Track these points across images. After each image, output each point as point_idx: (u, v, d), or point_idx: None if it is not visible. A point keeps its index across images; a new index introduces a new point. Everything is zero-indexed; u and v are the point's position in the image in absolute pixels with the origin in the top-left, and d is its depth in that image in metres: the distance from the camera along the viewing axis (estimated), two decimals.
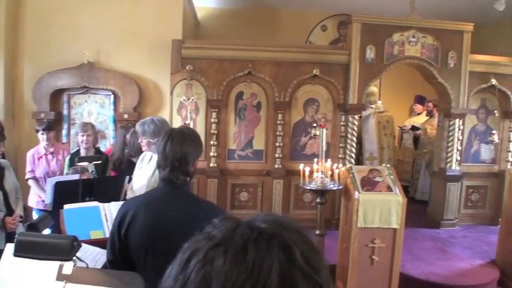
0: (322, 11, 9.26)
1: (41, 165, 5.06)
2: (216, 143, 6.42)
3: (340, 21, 9.14)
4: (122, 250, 2.21)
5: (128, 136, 5.26)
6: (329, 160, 4.81)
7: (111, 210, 3.37)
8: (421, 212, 7.48)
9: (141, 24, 6.37)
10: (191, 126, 6.19)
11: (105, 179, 4.68)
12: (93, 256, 2.77)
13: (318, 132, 4.84)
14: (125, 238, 2.20)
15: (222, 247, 0.72)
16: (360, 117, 7.89)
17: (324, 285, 0.72)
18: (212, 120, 6.40)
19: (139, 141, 3.96)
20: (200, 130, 6.40)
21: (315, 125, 5.99)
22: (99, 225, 3.39)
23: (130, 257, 2.20)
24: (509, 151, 7.22)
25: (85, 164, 4.44)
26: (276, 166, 6.53)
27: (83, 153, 5.01)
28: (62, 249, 1.77)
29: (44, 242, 1.83)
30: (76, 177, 4.20)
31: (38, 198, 5.03)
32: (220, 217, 0.81)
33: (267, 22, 9.44)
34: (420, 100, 8.97)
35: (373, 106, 8.24)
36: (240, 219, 0.79)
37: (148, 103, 6.52)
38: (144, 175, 3.60)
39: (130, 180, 4.03)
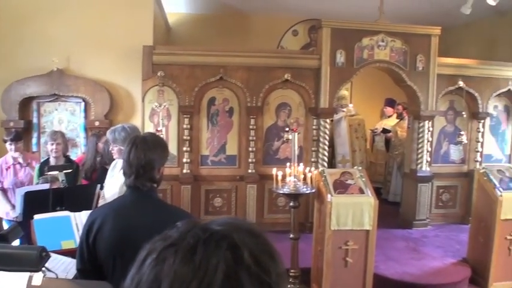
0: (293, 16, 9.33)
1: (9, 176, 4.97)
2: (188, 149, 6.39)
3: (311, 26, 9.23)
4: (90, 259, 2.20)
5: (100, 144, 5.22)
6: (301, 164, 4.84)
7: (82, 219, 3.33)
8: (394, 213, 7.57)
9: (111, 30, 6.31)
10: (163, 132, 6.17)
11: (76, 187, 4.61)
12: (65, 266, 2.74)
13: (290, 137, 4.87)
14: (93, 246, 2.18)
15: (174, 247, 0.75)
16: (332, 120, 7.97)
17: (274, 286, 0.74)
18: (184, 126, 6.37)
19: (110, 149, 3.92)
20: (173, 136, 6.40)
21: (287, 129, 6.03)
22: (70, 235, 3.35)
23: (99, 265, 2.19)
24: (478, 151, 7.37)
25: (55, 173, 4.37)
26: (250, 171, 6.53)
27: (52, 162, 4.93)
28: (30, 260, 1.75)
29: (11, 253, 1.80)
30: (46, 186, 4.14)
31: (8, 209, 4.95)
32: (183, 220, 0.83)
33: (239, 27, 9.47)
34: (390, 103, 9.09)
35: (344, 109, 8.32)
36: (199, 222, 0.81)
37: (119, 110, 6.47)
38: (116, 183, 3.56)
39: (102, 188, 3.99)
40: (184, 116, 6.38)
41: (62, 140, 5.06)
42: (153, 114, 6.38)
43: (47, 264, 1.85)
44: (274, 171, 4.65)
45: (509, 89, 7.30)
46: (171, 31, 9.43)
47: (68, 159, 5.17)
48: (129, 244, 2.11)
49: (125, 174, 2.31)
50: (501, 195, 5.27)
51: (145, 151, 2.26)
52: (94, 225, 2.20)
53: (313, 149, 6.70)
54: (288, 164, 4.78)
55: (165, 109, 6.35)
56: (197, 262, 0.72)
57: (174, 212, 2.37)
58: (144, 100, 6.38)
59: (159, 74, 6.19)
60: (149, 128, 6.29)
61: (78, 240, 3.16)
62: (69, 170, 4.54)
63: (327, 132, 6.72)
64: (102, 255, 2.18)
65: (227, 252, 0.73)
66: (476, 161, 7.32)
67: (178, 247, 0.74)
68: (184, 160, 6.39)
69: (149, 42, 6.38)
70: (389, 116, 9.16)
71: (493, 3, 6.96)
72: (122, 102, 6.47)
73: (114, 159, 3.93)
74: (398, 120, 8.79)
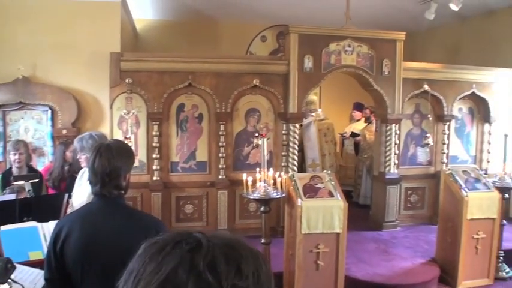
0: (261, 22, 9.39)
1: None
2: (158, 156, 6.33)
3: (279, 31, 9.30)
4: (58, 267, 2.17)
5: (68, 153, 5.16)
6: (271, 169, 4.86)
7: (49, 229, 3.27)
8: (365, 216, 7.67)
9: (78, 37, 6.26)
10: (132, 139, 6.12)
11: (43, 197, 4.54)
12: (33, 277, 2.70)
13: (260, 142, 4.88)
14: (61, 255, 2.16)
15: (156, 245, 0.83)
16: (301, 125, 8.03)
17: None
18: (154, 133, 6.31)
19: (77, 157, 3.88)
20: (142, 143, 6.35)
21: (256, 134, 6.06)
22: (37, 246, 3.30)
23: (67, 274, 2.16)
24: (444, 153, 7.53)
25: (21, 182, 4.30)
26: (220, 177, 6.51)
27: (15, 172, 4.85)
28: None
29: None
30: (12, 196, 4.06)
31: None
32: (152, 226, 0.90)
33: (208, 34, 9.49)
34: (358, 107, 9.21)
35: (313, 114, 8.38)
36: (192, 231, 0.87)
37: (87, 118, 6.39)
38: (84, 192, 3.53)
39: (70, 197, 3.94)
40: (154, 122, 6.33)
41: (25, 149, 4.98)
42: (121, 121, 6.32)
43: (13, 276, 1.82)
44: (244, 176, 4.66)
45: (473, 92, 7.48)
46: (139, 37, 9.37)
47: (31, 168, 5.08)
48: (96, 251, 2.10)
49: (90, 182, 2.30)
50: (467, 196, 5.40)
51: (110, 159, 2.25)
52: (61, 233, 2.18)
53: (283, 153, 6.72)
54: (257, 169, 4.79)
55: (134, 116, 6.30)
56: (160, 259, 0.79)
57: (142, 219, 2.35)
58: (112, 107, 6.30)
59: (127, 80, 6.15)
60: (118, 136, 6.22)
61: (45, 250, 3.12)
62: (35, 180, 4.47)
63: (297, 137, 6.76)
64: (70, 263, 2.15)
65: (187, 254, 0.78)
66: (443, 163, 7.47)
67: (157, 245, 0.82)
68: (154, 167, 6.33)
69: (116, 49, 6.33)
70: (357, 120, 9.28)
71: (456, 9, 7.16)
72: (90, 109, 6.40)
73: (82, 168, 3.89)
74: (366, 124, 8.90)
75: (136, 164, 6.29)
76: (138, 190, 6.26)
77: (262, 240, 4.75)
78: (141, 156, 6.35)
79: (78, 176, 3.96)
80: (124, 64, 6.21)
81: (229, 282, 0.76)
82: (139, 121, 6.37)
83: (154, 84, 6.27)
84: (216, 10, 8.78)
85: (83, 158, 3.70)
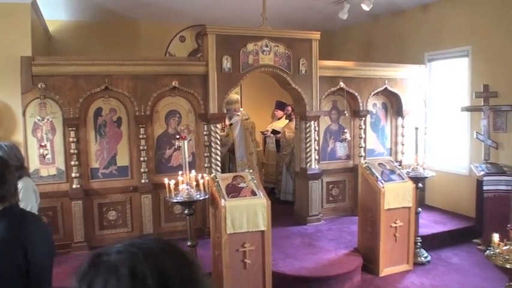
0: (180, 22, 9.33)
1: None
2: (77, 163, 6.10)
3: (198, 32, 9.27)
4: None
5: None
6: (193, 171, 4.84)
7: None
8: (289, 212, 7.84)
9: None
10: (48, 147, 5.89)
11: None
12: None
13: (180, 144, 4.85)
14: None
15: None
16: (231, 124, 8.05)
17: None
18: (71, 139, 6.06)
19: None
20: (59, 150, 6.10)
21: (178, 136, 6.01)
22: None
23: None
24: (361, 147, 7.84)
25: None
26: (143, 181, 6.39)
27: None
28: None
29: None
30: None
31: None
32: None
33: (126, 35, 9.27)
34: (280, 106, 9.36)
35: (239, 114, 8.42)
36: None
37: None
38: None
39: None
40: (70, 128, 6.08)
41: None
42: (36, 128, 6.04)
43: None
44: (166, 180, 4.61)
45: (385, 88, 7.83)
46: (53, 40, 8.98)
47: None
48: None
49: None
50: (383, 187, 5.66)
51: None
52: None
53: (205, 154, 6.70)
54: (180, 172, 4.75)
55: (49, 122, 6.05)
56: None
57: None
58: (25, 114, 6.01)
59: (39, 86, 5.87)
60: (33, 144, 5.96)
61: None
62: None
63: (218, 137, 6.75)
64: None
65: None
66: (361, 156, 7.77)
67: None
68: (73, 175, 6.10)
69: (27, 52, 6.01)
70: (279, 118, 9.43)
71: (367, 9, 7.46)
72: (2, 117, 6.04)
73: None
74: (288, 121, 9.07)
75: (54, 172, 6.09)
76: (58, 199, 6.05)
77: (188, 243, 4.73)
78: (58, 163, 6.11)
79: None
80: (36, 68, 5.92)
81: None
82: (55, 127, 6.11)
83: (68, 88, 6.02)
84: (132, 10, 8.60)
85: None
